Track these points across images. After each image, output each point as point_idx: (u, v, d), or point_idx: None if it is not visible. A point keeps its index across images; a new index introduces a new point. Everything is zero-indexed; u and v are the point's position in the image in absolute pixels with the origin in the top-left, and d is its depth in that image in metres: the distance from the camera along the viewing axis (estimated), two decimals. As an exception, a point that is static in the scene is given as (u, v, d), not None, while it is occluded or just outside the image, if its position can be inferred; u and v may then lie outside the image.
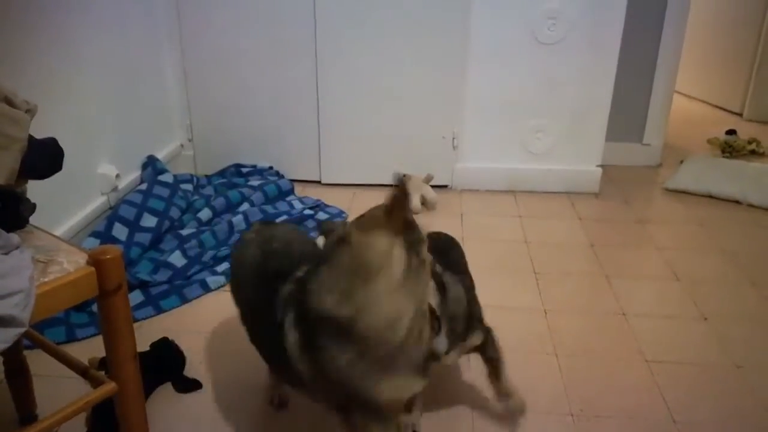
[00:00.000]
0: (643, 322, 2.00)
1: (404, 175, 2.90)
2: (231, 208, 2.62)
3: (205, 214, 2.54)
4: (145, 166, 2.70)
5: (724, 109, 4.43)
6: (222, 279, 2.19)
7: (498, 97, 2.88)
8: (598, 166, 2.97)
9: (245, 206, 2.62)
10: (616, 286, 2.22)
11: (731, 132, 3.76)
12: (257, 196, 2.68)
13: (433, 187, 2.86)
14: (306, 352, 1.14)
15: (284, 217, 2.58)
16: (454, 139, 2.95)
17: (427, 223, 2.70)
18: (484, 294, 2.14)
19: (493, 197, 2.97)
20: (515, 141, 2.96)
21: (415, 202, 2.75)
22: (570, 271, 2.34)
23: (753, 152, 3.57)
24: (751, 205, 2.85)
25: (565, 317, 2.05)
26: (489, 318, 2.03)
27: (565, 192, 2.99)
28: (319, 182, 3.05)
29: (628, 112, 3.16)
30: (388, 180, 2.99)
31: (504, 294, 2.18)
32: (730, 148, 3.58)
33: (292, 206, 2.70)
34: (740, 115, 4.30)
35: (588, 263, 2.39)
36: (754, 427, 1.60)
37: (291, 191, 2.84)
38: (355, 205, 2.82)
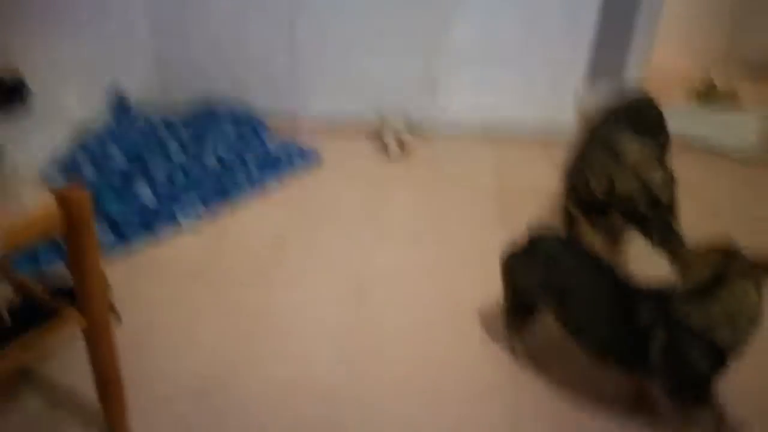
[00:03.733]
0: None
1: (381, 117, 2.86)
2: (202, 144, 2.55)
3: (175, 152, 2.48)
4: (111, 100, 2.61)
5: (704, 57, 4.41)
6: (193, 218, 2.16)
7: (479, 40, 2.82)
8: (575, 112, 2.95)
9: (216, 144, 2.55)
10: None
11: (708, 81, 3.76)
12: (229, 134, 2.62)
13: (411, 130, 2.83)
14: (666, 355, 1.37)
15: (257, 156, 2.54)
16: (434, 82, 2.90)
17: (406, 166, 2.69)
18: (458, 237, 2.17)
19: (472, 142, 2.94)
20: (494, 86, 2.92)
21: (390, 145, 2.72)
22: (543, 217, 2.35)
23: (730, 101, 3.58)
24: (725, 152, 2.88)
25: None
26: (463, 260, 2.05)
27: (542, 139, 2.98)
28: (293, 120, 2.98)
29: (608, 58, 3.12)
30: (366, 121, 2.98)
31: (478, 238, 2.19)
32: (707, 95, 3.57)
33: (264, 145, 2.65)
34: (719, 63, 4.29)
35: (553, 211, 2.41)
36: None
37: (264, 129, 2.78)
38: (330, 146, 2.77)
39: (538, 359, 1.65)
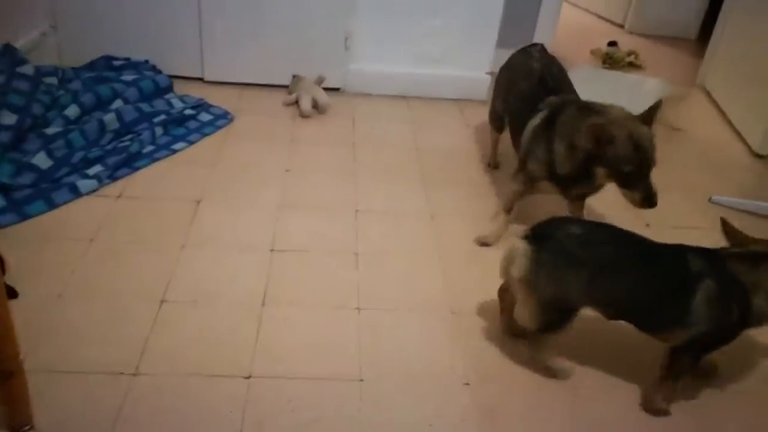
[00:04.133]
0: (523, 222, 2.10)
1: (295, 76, 2.79)
2: (102, 104, 2.39)
3: (72, 111, 2.31)
4: (0, 56, 2.39)
5: (608, 21, 4.57)
6: (94, 183, 2.04)
7: (391, -2, 2.79)
8: (487, 73, 2.99)
9: (118, 103, 2.40)
10: (496, 192, 2.31)
11: (612, 43, 3.90)
12: (131, 93, 2.47)
13: (325, 89, 2.78)
14: (533, 134, 1.89)
15: (163, 117, 2.41)
16: (347, 39, 2.84)
17: (320, 126, 2.65)
18: (373, 200, 2.17)
19: (386, 102, 2.93)
20: (408, 45, 2.90)
21: (305, 105, 2.66)
22: (457, 177, 2.39)
23: (631, 64, 3.74)
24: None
25: (450, 221, 2.11)
26: (376, 222, 2.06)
27: (455, 99, 3.01)
28: (201, 79, 2.85)
29: (518, 19, 3.17)
30: (278, 80, 2.90)
31: (393, 199, 2.20)
32: (611, 59, 3.72)
33: (171, 105, 2.52)
34: (622, 26, 4.46)
35: (474, 170, 2.45)
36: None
37: (170, 88, 2.64)
38: (242, 106, 2.68)
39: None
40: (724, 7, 3.37)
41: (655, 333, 1.48)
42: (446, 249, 1.97)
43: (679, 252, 1.44)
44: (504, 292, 1.63)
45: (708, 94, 3.39)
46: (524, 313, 1.47)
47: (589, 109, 1.81)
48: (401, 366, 1.54)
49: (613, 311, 1.49)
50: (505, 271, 1.50)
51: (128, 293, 1.66)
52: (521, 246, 1.43)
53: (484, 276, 1.87)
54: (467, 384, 1.50)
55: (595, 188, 1.88)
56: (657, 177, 2.14)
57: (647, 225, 2.18)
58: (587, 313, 1.49)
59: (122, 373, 1.43)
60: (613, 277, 1.44)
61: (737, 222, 1.87)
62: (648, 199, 1.69)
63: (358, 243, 1.95)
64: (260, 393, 1.42)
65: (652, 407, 1.48)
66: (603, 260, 1.44)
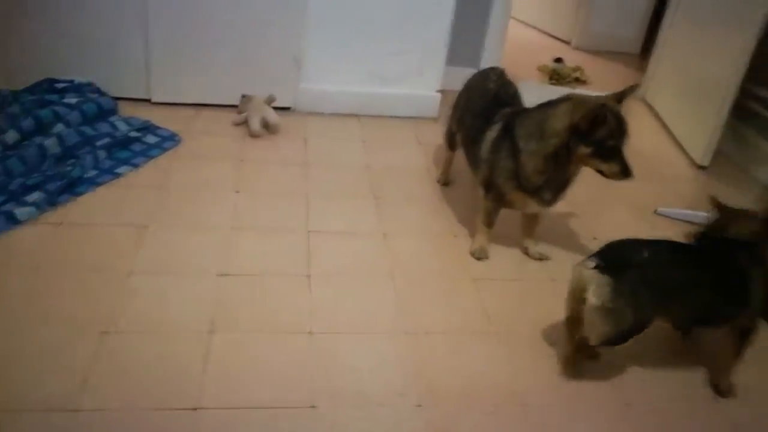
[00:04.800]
0: (469, 241, 2.11)
1: (244, 96, 2.76)
2: (42, 129, 2.32)
3: (11, 136, 2.23)
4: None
5: (555, 37, 4.68)
6: (33, 210, 1.96)
7: (340, 18, 2.79)
8: (438, 91, 3.02)
9: (59, 127, 2.33)
10: (452, 209, 2.32)
11: (558, 60, 4.00)
12: (74, 116, 2.40)
13: (275, 108, 2.75)
14: (494, 145, 1.97)
15: (106, 140, 2.35)
16: (297, 58, 2.83)
17: (270, 146, 2.62)
18: (326, 220, 2.15)
19: (338, 121, 2.92)
20: (359, 63, 2.91)
21: (255, 125, 2.63)
22: (409, 195, 2.39)
23: (577, 80, 3.84)
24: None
25: (403, 240, 2.11)
26: (329, 243, 2.04)
27: (407, 117, 3.02)
28: (148, 101, 2.79)
29: (467, 37, 3.21)
30: (227, 100, 2.86)
31: (347, 219, 2.18)
32: (557, 75, 3.81)
33: (115, 127, 2.46)
34: (569, 43, 4.57)
35: (427, 187, 2.46)
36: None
37: (114, 110, 2.58)
38: (190, 128, 2.64)
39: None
40: (664, 23, 3.49)
41: (720, 325, 1.64)
42: (400, 268, 1.96)
43: (725, 249, 1.58)
44: (572, 322, 1.62)
45: (650, 107, 3.49)
46: (597, 335, 1.52)
47: (548, 103, 1.90)
48: (354, 390, 1.51)
49: (687, 320, 1.67)
50: (575, 300, 1.55)
51: (70, 325, 1.59)
52: (597, 276, 1.47)
53: (437, 295, 1.88)
54: (419, 406, 1.49)
55: (567, 179, 1.92)
56: (604, 190, 2.19)
57: (594, 238, 2.22)
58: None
59: (63, 410, 1.37)
60: (687, 291, 1.55)
61: (680, 231, 1.92)
62: (626, 170, 1.80)
63: (310, 265, 1.93)
64: (209, 425, 1.38)
65: (722, 388, 1.64)
66: (677, 279, 1.54)
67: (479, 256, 2.06)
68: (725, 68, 2.75)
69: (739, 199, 2.64)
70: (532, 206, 1.99)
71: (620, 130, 1.79)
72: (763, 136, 2.90)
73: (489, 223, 2.07)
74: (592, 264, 1.50)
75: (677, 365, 1.72)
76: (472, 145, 2.10)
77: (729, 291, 1.55)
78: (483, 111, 2.09)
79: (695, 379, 1.68)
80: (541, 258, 2.08)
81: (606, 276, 1.46)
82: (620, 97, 1.85)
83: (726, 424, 1.56)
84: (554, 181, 1.91)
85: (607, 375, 1.65)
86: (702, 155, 2.86)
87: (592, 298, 1.47)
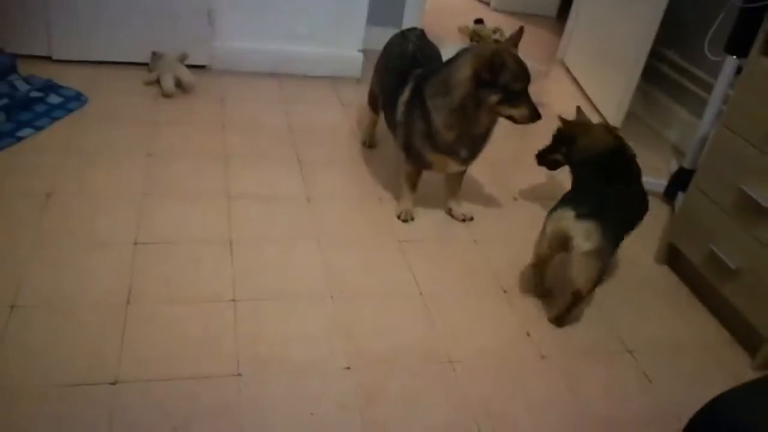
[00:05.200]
0: (395, 204, 2.12)
1: (155, 53, 2.61)
2: (-72, 88, 2.12)
3: None
4: None
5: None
6: None
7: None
8: (359, 50, 2.96)
9: (-51, 86, 2.14)
10: (376, 171, 2.30)
11: (479, 21, 4.01)
12: (-35, 75, 2.20)
13: (189, 67, 2.62)
14: (406, 108, 1.97)
15: (5, 101, 2.17)
16: (210, 13, 2.69)
17: (185, 106, 2.50)
18: (246, 184, 2.09)
19: (256, 80, 2.82)
20: (277, 20, 2.80)
21: (167, 83, 2.50)
22: (333, 158, 2.36)
23: (497, 41, 3.86)
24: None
25: (327, 204, 2.08)
26: (250, 207, 1.99)
27: (328, 76, 2.96)
28: (49, 58, 2.59)
29: (386, 5, 3.17)
30: (137, 57, 2.71)
31: (269, 183, 2.13)
32: (478, 36, 3.83)
33: (14, 87, 2.27)
34: (488, 4, 4.59)
35: (351, 150, 2.43)
36: (484, 292, 1.82)
37: (13, 68, 2.38)
38: (95, 87, 2.47)
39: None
40: (579, -13, 3.56)
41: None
42: (325, 232, 1.94)
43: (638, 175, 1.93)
44: (541, 268, 1.80)
45: (567, 70, 3.58)
46: (587, 279, 1.64)
47: (450, 61, 1.91)
48: (281, 356, 1.50)
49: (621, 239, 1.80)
50: (552, 248, 1.69)
51: (-31, 301, 1.49)
52: (585, 224, 1.60)
53: (363, 259, 1.87)
54: (348, 368, 1.50)
55: (481, 134, 1.95)
56: (522, 151, 2.23)
57: (514, 198, 2.27)
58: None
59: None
60: (626, 216, 1.80)
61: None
62: (535, 111, 1.86)
63: (231, 231, 1.87)
64: (129, 399, 1.33)
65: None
66: (620, 209, 1.76)
67: (405, 218, 2.06)
68: (637, 31, 2.84)
69: (650, 158, 2.77)
70: (452, 166, 2.01)
71: (522, 72, 1.83)
72: (673, 98, 3.04)
73: (412, 185, 2.08)
74: (572, 213, 1.62)
75: (588, 321, 1.81)
76: (389, 107, 2.09)
77: (641, 201, 1.87)
78: (399, 72, 2.08)
79: (603, 332, 1.77)
80: (464, 219, 2.11)
81: (592, 222, 1.60)
82: (515, 41, 1.89)
83: (634, 372, 1.66)
84: (468, 137, 1.92)
85: (525, 329, 1.71)
86: (614, 116, 2.97)
87: (585, 243, 1.59)
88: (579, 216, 1.61)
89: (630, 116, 3.00)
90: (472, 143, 1.95)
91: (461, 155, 1.96)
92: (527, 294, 1.84)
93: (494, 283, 1.86)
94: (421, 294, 1.77)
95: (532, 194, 2.33)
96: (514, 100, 1.84)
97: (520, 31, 1.93)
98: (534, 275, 1.83)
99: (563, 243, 1.64)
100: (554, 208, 1.70)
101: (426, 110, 1.91)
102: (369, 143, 2.45)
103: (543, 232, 1.71)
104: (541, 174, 2.47)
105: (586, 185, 1.86)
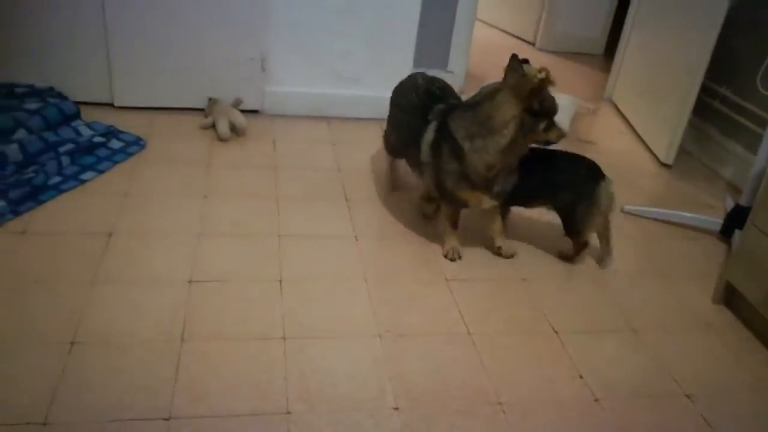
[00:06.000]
0: (441, 242, 2.12)
1: (211, 99, 2.72)
2: (3, 135, 2.25)
3: (-32, 142, 2.17)
4: None
5: (520, 38, 4.73)
6: (-6, 218, 1.91)
7: (305, 19, 2.77)
8: (406, 91, 3.02)
9: (21, 133, 2.27)
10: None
11: (524, 61, 4.03)
12: (35, 121, 2.34)
13: (243, 111, 2.73)
14: (433, 149, 1.95)
15: (70, 146, 2.29)
16: (263, 60, 2.80)
17: (238, 149, 2.59)
18: (296, 223, 2.14)
19: (306, 123, 2.90)
20: (325, 65, 2.90)
21: (222, 128, 2.60)
22: (380, 197, 2.39)
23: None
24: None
25: (375, 242, 2.10)
26: (300, 246, 2.03)
27: (375, 118, 3.02)
28: (111, 105, 2.73)
29: (434, 39, 3.22)
30: (193, 103, 2.83)
31: (316, 222, 2.17)
32: (524, 76, 3.84)
33: (78, 133, 2.40)
34: (533, 44, 4.63)
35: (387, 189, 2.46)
36: (534, 332, 1.80)
37: (77, 115, 2.52)
38: (154, 132, 2.59)
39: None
40: (627, 24, 3.55)
41: None
42: (373, 270, 1.96)
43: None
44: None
45: (616, 107, 3.56)
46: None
47: (480, 100, 1.90)
48: (330, 395, 1.50)
49: None
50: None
51: (35, 336, 1.55)
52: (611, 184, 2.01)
53: (411, 297, 1.88)
54: (396, 409, 1.49)
55: (514, 166, 1.93)
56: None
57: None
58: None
59: (29, 423, 1.33)
60: None
61: (648, 228, 1.95)
62: (561, 130, 1.91)
63: (281, 269, 1.91)
64: (182, 435, 1.36)
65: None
66: None
67: (452, 257, 2.06)
68: (687, 67, 2.81)
69: (705, 196, 2.70)
70: (486, 201, 1.98)
71: (551, 94, 1.87)
72: (725, 134, 2.98)
73: (453, 224, 2.07)
74: (606, 179, 2.00)
75: (643, 363, 1.75)
76: (410, 146, 2.07)
77: None
78: (417, 110, 2.07)
79: (659, 374, 1.72)
80: (506, 255, 2.10)
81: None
82: (524, 61, 1.90)
83: (691, 416, 1.60)
84: (503, 171, 1.92)
85: (578, 371, 1.67)
86: (666, 154, 2.92)
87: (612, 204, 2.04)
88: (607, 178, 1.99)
89: (682, 153, 2.94)
90: (506, 177, 1.94)
91: (494, 190, 1.94)
92: (580, 334, 1.80)
93: (544, 322, 1.84)
94: (469, 333, 1.75)
95: (581, 232, 2.29)
96: (551, 123, 1.87)
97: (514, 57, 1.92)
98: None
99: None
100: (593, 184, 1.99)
101: (459, 151, 1.88)
102: (392, 187, 2.43)
103: (598, 207, 2.00)
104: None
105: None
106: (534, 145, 1.93)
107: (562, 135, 1.91)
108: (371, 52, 2.91)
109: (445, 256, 2.06)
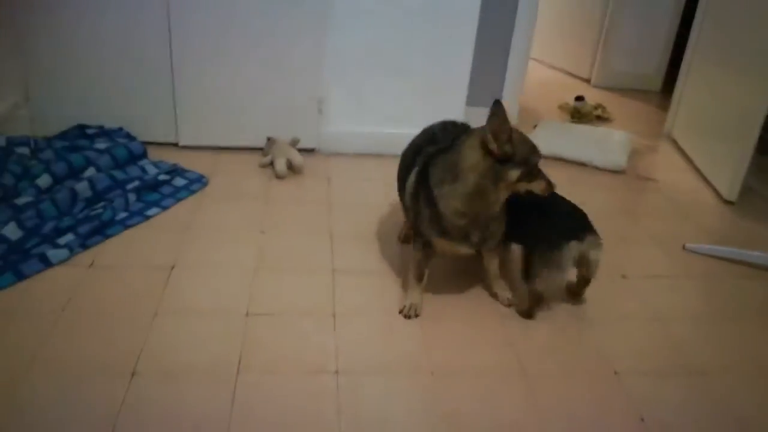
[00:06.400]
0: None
1: (270, 138, 2.81)
2: (74, 173, 2.39)
3: (44, 180, 2.30)
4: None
5: (574, 75, 4.71)
6: (65, 252, 2.00)
7: (361, 60, 2.85)
8: (459, 129, 3.04)
9: (91, 171, 2.40)
10: (475, 246, 2.31)
11: (579, 98, 4.01)
12: (105, 161, 2.47)
13: (299, 150, 2.80)
14: (413, 192, 1.90)
15: (136, 183, 2.41)
16: (320, 103, 2.89)
17: (295, 186, 2.65)
18: (350, 259, 2.16)
19: (360, 161, 2.96)
20: (379, 106, 2.96)
21: (280, 166, 2.68)
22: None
23: (599, 117, 3.84)
24: (595, 167, 3.07)
25: (427, 278, 2.10)
26: (351, 284, 2.04)
27: (428, 155, 3.04)
28: (175, 144, 2.86)
29: (487, 77, 3.25)
30: (253, 142, 2.92)
31: (371, 258, 2.19)
32: (578, 113, 3.82)
33: (145, 171, 2.52)
34: (588, 81, 4.60)
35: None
36: (593, 375, 1.74)
37: (143, 155, 2.65)
38: (216, 170, 2.69)
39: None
40: (685, 60, 3.50)
41: None
42: (425, 307, 1.95)
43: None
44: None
45: (675, 143, 3.48)
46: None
47: (453, 144, 1.80)
48: (381, 430, 1.49)
49: None
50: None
51: (98, 366, 1.61)
52: (595, 240, 1.91)
53: (464, 334, 1.86)
54: (450, 447, 1.46)
55: (492, 216, 1.81)
56: (632, 227, 2.16)
57: (623, 276, 2.19)
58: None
59: (90, 452, 1.37)
60: None
61: (709, 267, 1.87)
62: (550, 182, 1.81)
63: (335, 304, 1.93)
64: (236, 467, 1.37)
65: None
66: None
67: (408, 313, 1.90)
68: (748, 102, 2.74)
69: (770, 234, 2.59)
70: (463, 249, 1.88)
71: (532, 143, 1.76)
72: (791, 170, 2.87)
73: (419, 275, 1.93)
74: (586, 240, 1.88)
75: (708, 407, 1.67)
76: (402, 190, 2.02)
77: None
78: (412, 151, 2.02)
79: (725, 419, 1.63)
80: (510, 304, 2.00)
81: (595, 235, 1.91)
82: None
83: None
84: (481, 220, 1.80)
85: (639, 414, 1.61)
86: (729, 190, 2.83)
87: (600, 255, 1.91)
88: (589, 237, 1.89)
89: (745, 190, 2.84)
90: (485, 226, 1.82)
91: (472, 240, 1.83)
92: (642, 375, 1.74)
93: (603, 363, 1.78)
94: (524, 373, 1.72)
95: (642, 272, 2.23)
96: (533, 173, 1.75)
97: (496, 103, 1.71)
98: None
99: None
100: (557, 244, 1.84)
101: (431, 197, 1.79)
102: (403, 238, 2.28)
103: (557, 266, 1.85)
104: (650, 250, 2.38)
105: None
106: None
107: (550, 188, 1.79)
108: (424, 92, 2.95)
109: (400, 312, 1.91)
